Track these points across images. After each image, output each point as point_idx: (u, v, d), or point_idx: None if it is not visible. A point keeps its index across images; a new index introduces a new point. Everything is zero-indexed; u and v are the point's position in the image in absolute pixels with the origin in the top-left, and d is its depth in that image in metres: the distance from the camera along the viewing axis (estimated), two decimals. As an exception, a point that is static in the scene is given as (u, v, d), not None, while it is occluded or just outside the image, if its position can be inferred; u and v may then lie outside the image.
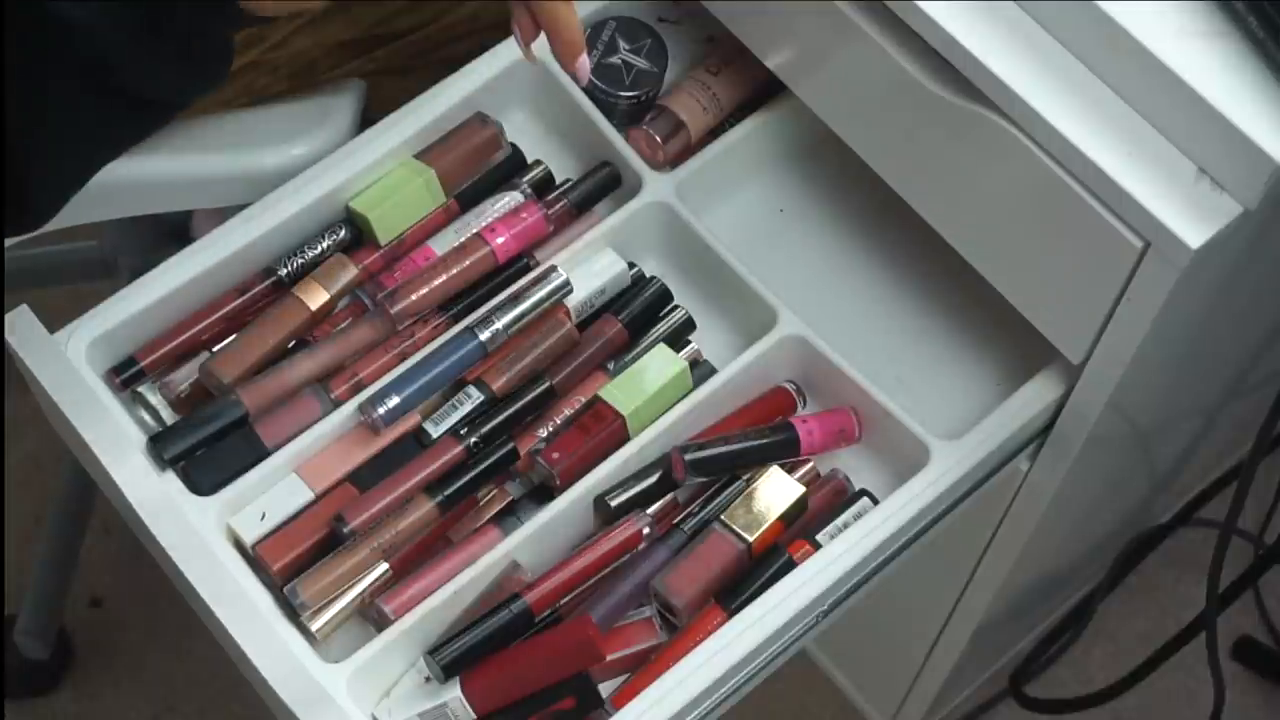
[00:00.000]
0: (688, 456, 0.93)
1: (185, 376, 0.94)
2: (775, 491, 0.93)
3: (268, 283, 0.96)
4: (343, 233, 0.98)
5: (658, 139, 1.02)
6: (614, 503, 0.92)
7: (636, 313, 0.98)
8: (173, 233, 1.24)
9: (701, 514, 0.93)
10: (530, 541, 0.91)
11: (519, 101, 1.04)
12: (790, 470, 0.94)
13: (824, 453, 0.96)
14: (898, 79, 0.88)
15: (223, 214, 0.99)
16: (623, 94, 1.04)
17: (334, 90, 1.07)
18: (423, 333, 0.96)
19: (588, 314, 0.98)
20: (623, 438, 0.93)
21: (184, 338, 0.94)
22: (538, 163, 1.02)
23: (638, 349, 0.97)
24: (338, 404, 0.93)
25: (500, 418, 0.93)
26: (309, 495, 0.91)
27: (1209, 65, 0.79)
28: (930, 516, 0.93)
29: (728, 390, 0.96)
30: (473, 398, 0.93)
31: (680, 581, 0.90)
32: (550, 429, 0.94)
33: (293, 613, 0.88)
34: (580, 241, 0.99)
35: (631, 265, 1.00)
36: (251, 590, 0.87)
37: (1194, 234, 0.79)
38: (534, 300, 0.95)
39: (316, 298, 0.95)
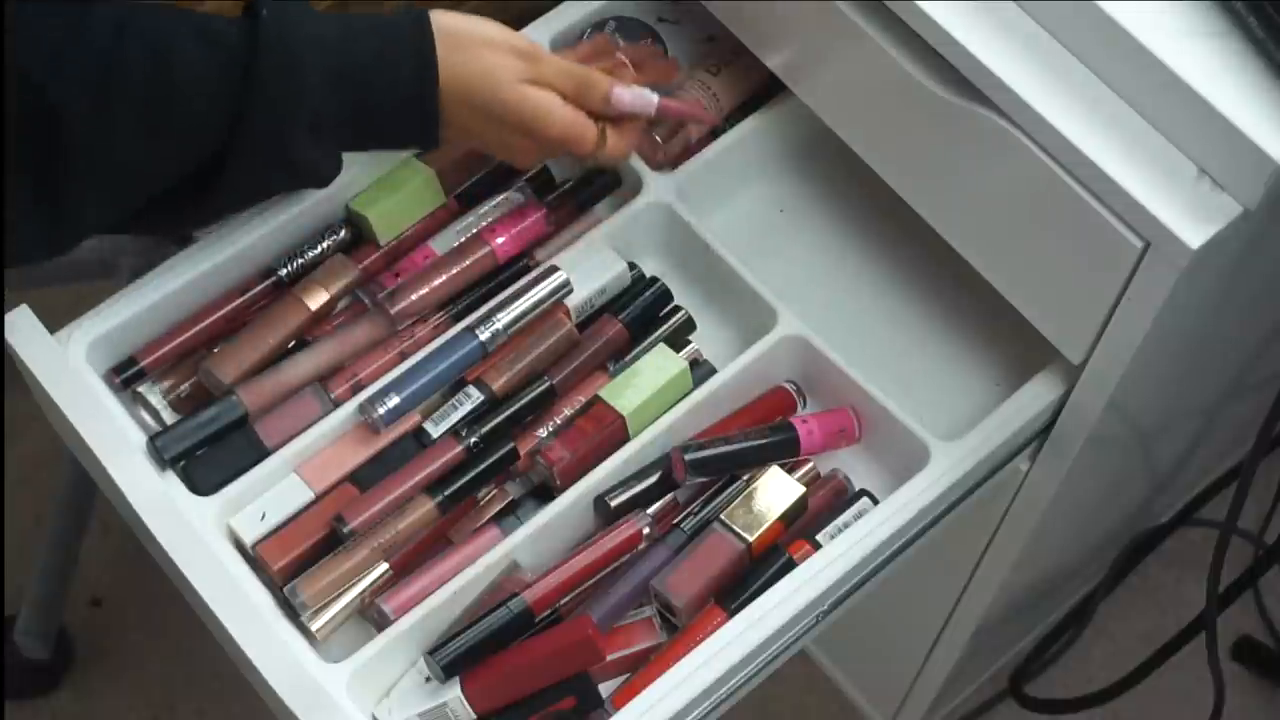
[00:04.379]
0: (688, 456, 0.93)
1: (185, 376, 0.94)
2: (775, 491, 0.93)
3: (268, 283, 0.96)
4: (343, 233, 0.98)
5: (658, 139, 1.02)
6: (614, 503, 0.92)
7: (637, 313, 0.98)
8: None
9: (701, 514, 0.93)
10: (530, 541, 0.91)
11: (519, 101, 1.04)
12: (790, 470, 0.94)
13: (824, 453, 0.96)
14: (898, 79, 0.88)
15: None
16: (623, 94, 1.04)
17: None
18: (423, 332, 0.96)
19: (588, 314, 0.98)
20: (623, 438, 0.93)
21: (184, 338, 0.94)
22: (538, 162, 1.03)
23: (638, 349, 0.97)
24: (338, 404, 0.93)
25: (500, 418, 0.93)
26: (309, 495, 0.91)
27: (1209, 65, 0.79)
28: (930, 516, 0.93)
29: (728, 390, 0.96)
30: (473, 398, 0.93)
31: (680, 581, 0.90)
32: (550, 429, 0.94)
33: (293, 613, 0.88)
34: (580, 241, 0.99)
35: (632, 266, 1.00)
36: (251, 590, 0.87)
37: (1194, 234, 0.79)
38: (534, 300, 0.95)
39: (316, 298, 0.95)
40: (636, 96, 0.95)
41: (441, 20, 0.88)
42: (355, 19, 0.87)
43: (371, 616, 0.89)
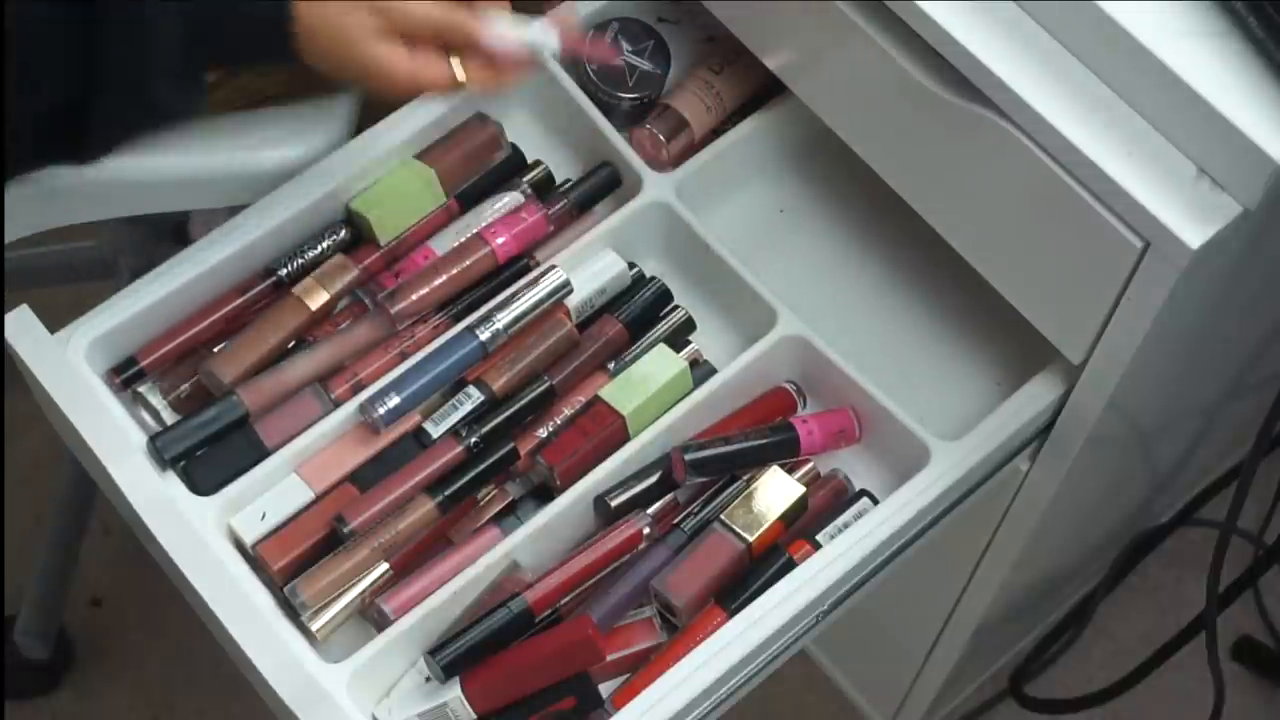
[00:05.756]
0: (688, 456, 0.93)
1: (185, 376, 0.94)
2: (775, 491, 0.93)
3: (268, 283, 0.96)
4: (343, 233, 0.98)
5: (661, 138, 1.02)
6: (614, 503, 0.92)
7: (637, 313, 0.98)
8: (173, 233, 1.24)
9: (701, 514, 0.93)
10: (530, 541, 0.91)
11: (519, 101, 1.04)
12: (790, 470, 0.94)
13: (824, 453, 0.96)
14: (898, 79, 0.88)
15: (220, 214, 0.99)
16: (625, 95, 1.04)
17: (332, 92, 1.07)
18: (423, 332, 0.96)
19: (588, 314, 0.98)
20: (623, 438, 0.93)
21: (184, 338, 0.94)
22: (538, 163, 1.02)
23: (638, 349, 0.97)
24: (338, 404, 0.93)
25: (500, 418, 0.93)
26: (309, 495, 0.91)
27: (1209, 65, 0.79)
28: (930, 516, 0.93)
29: (728, 390, 0.96)
30: (473, 398, 0.93)
31: (680, 581, 0.90)
32: (550, 429, 0.94)
33: (293, 613, 0.88)
34: (580, 242, 0.99)
35: (632, 265, 1.00)
36: (251, 590, 0.87)
37: (1194, 234, 0.79)
38: (534, 300, 0.95)
39: (316, 298, 0.95)
40: (503, 40, 0.89)
41: None
42: None
43: (371, 616, 0.89)
